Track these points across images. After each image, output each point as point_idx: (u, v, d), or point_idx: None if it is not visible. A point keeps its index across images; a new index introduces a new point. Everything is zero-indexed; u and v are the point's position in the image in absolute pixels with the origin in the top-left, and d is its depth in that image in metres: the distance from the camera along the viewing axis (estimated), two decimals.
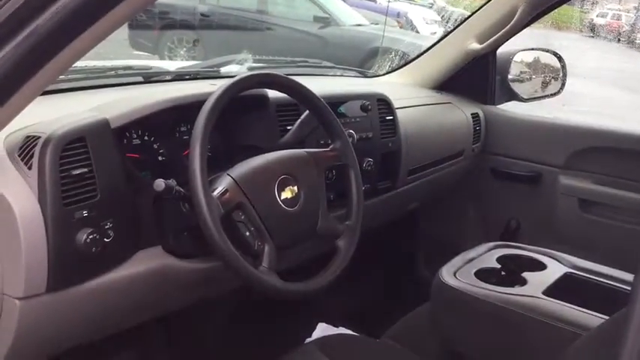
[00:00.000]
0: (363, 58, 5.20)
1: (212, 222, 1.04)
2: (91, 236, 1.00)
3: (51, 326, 1.03)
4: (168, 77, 1.71)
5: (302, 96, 1.30)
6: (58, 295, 0.99)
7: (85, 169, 1.01)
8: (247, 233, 1.13)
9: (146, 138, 1.21)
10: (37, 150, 0.98)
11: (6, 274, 0.96)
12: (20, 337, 0.99)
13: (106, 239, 1.03)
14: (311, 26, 6.12)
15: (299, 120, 1.37)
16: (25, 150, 0.99)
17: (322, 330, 1.65)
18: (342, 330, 1.61)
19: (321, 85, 1.43)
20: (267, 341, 1.74)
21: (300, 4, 6.70)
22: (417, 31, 7.19)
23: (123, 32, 4.87)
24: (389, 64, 2.55)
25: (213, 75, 1.82)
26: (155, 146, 1.23)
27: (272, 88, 1.31)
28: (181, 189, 1.08)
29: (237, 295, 1.51)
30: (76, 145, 1.01)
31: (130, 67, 1.70)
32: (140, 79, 1.62)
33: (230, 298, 1.73)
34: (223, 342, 1.88)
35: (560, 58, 2.27)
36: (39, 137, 0.99)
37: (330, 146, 1.32)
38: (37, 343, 1.05)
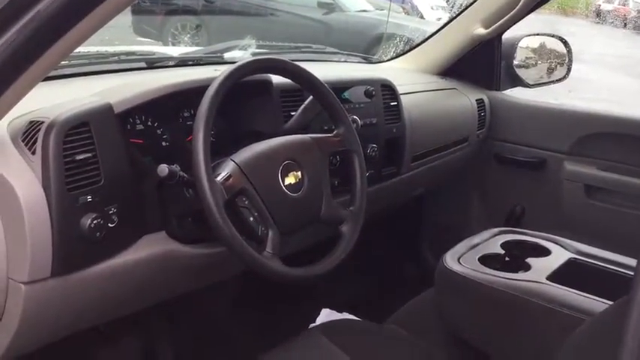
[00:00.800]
0: (368, 44, 5.17)
1: (216, 207, 1.04)
2: (95, 221, 1.00)
3: (56, 310, 1.03)
4: (171, 63, 1.70)
5: (306, 81, 1.30)
6: (62, 280, 1.00)
7: (89, 154, 1.01)
8: (251, 218, 1.13)
9: (149, 123, 1.21)
10: (40, 135, 0.98)
11: (11, 259, 0.96)
12: (25, 321, 0.99)
13: (110, 224, 1.03)
14: (315, 12, 6.09)
15: (303, 105, 1.36)
16: (29, 135, 0.99)
17: (326, 315, 1.65)
18: (346, 315, 1.61)
19: (324, 71, 1.42)
20: (271, 327, 1.74)
21: None
22: (422, 17, 7.15)
23: (127, 18, 4.85)
24: (394, 49, 2.54)
25: (216, 61, 1.81)
26: (158, 132, 1.23)
27: (276, 74, 1.30)
28: (185, 174, 1.08)
29: (240, 280, 1.52)
30: (80, 130, 1.01)
31: (132, 53, 1.69)
32: (143, 64, 1.62)
33: (234, 283, 1.73)
34: (227, 327, 1.89)
35: (565, 44, 2.25)
36: (42, 122, 0.99)
37: (334, 132, 1.32)
38: (42, 327, 1.05)
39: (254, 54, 1.89)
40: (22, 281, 0.96)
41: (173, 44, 5.50)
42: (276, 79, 1.38)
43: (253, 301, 1.94)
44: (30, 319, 1.00)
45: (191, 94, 1.20)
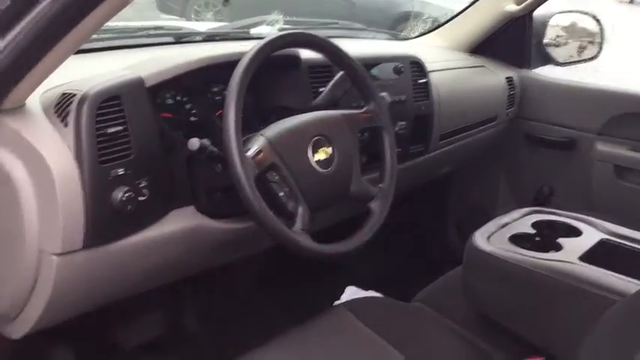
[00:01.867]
0: (393, 21, 5.11)
1: (246, 182, 1.03)
2: (126, 194, 1.00)
3: (86, 282, 1.04)
4: (198, 38, 1.69)
5: (337, 57, 1.28)
6: (93, 252, 1.01)
7: (120, 128, 1.01)
8: (281, 194, 1.12)
9: (179, 98, 1.21)
10: (73, 107, 0.98)
11: (44, 231, 0.97)
12: (57, 293, 1.00)
13: (140, 198, 1.03)
14: None
15: (332, 81, 1.35)
16: (61, 107, 0.99)
17: (351, 293, 1.64)
18: (372, 293, 1.61)
19: (353, 47, 1.40)
20: (295, 303, 1.74)
21: None
22: None
23: None
24: (421, 26, 2.50)
25: (243, 36, 1.80)
26: (188, 106, 1.22)
27: (307, 48, 1.28)
28: (215, 149, 1.08)
29: (266, 256, 1.52)
30: (112, 103, 1.01)
31: (160, 28, 1.69)
32: (171, 39, 1.61)
33: (260, 258, 1.73)
34: (252, 302, 1.90)
35: (598, 22, 2.19)
36: (75, 95, 0.99)
37: (364, 108, 1.31)
38: (73, 299, 1.06)
39: (281, 30, 1.87)
40: (54, 253, 0.97)
41: (196, 21, 5.48)
42: (305, 54, 1.36)
43: (278, 276, 1.95)
44: (61, 290, 1.01)
45: (220, 68, 1.19)
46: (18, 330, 1.06)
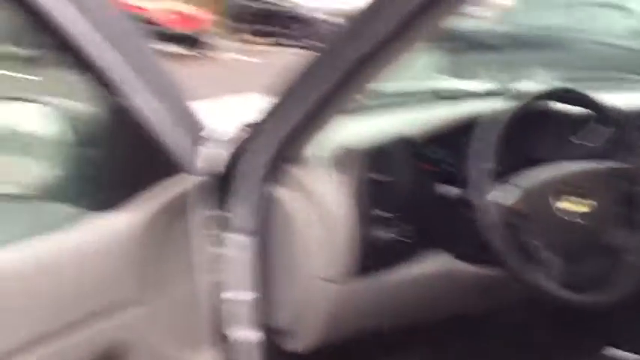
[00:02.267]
0: None
1: (497, 230, 1.11)
2: (390, 235, 1.15)
3: (352, 308, 1.20)
4: (461, 95, 1.79)
5: (599, 110, 1.29)
6: (359, 282, 1.16)
7: (388, 178, 1.17)
8: (532, 243, 1.16)
9: (440, 151, 1.32)
10: (348, 159, 1.16)
11: (320, 261, 1.14)
12: (327, 315, 1.17)
13: (402, 238, 1.17)
14: (624, 39, 5.61)
15: (591, 133, 1.34)
16: (339, 158, 1.17)
17: (611, 355, 1.54)
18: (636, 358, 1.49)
19: (624, 99, 1.37)
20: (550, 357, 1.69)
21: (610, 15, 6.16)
22: None
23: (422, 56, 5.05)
24: None
25: (505, 92, 1.85)
26: (449, 159, 1.33)
27: (567, 103, 1.31)
28: (470, 197, 1.17)
29: (520, 307, 1.53)
30: (381, 156, 1.17)
31: (425, 87, 1.83)
32: (434, 97, 1.73)
33: (513, 309, 1.73)
34: (505, 353, 1.88)
35: None
36: (350, 148, 1.17)
37: (628, 161, 1.28)
38: (340, 323, 1.22)
39: (543, 83, 1.87)
40: (327, 279, 1.14)
41: (463, 78, 5.56)
42: (562, 105, 1.38)
43: (531, 328, 1.90)
44: (330, 313, 1.17)
45: (481, 124, 1.28)
46: (297, 344, 1.25)
